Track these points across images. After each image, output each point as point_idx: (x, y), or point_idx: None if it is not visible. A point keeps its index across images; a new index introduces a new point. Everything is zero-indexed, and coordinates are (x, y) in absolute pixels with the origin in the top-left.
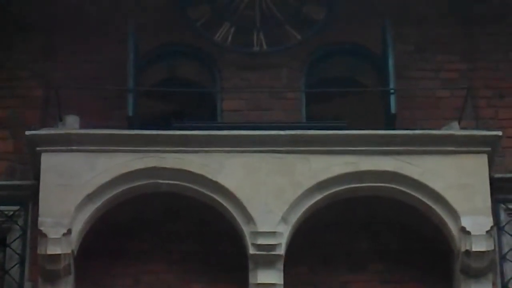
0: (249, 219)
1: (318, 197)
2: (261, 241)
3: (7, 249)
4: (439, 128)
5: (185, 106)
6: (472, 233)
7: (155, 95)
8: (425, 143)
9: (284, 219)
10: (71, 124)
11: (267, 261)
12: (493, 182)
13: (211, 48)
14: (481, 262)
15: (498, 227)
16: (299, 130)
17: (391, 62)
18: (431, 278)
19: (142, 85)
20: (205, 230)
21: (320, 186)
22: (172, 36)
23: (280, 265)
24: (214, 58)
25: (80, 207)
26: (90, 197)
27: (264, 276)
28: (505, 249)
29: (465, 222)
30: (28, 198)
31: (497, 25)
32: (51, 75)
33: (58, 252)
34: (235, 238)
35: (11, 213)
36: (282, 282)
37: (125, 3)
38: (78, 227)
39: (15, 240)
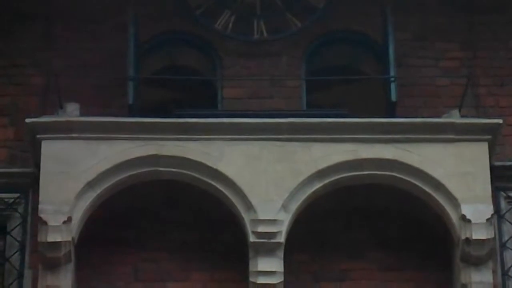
0: (249, 206)
1: (318, 185)
2: (261, 228)
3: (8, 236)
4: (439, 116)
5: (186, 94)
6: (472, 221)
7: (156, 83)
8: (425, 131)
9: (284, 207)
10: (72, 112)
11: (268, 249)
12: (493, 170)
13: (211, 36)
14: (481, 250)
15: (498, 215)
16: (299, 118)
17: (391, 50)
18: (431, 266)
19: (143, 73)
20: (205, 218)
21: (320, 174)
22: (173, 24)
23: (280, 253)
24: (214, 46)
25: (81, 194)
26: (90, 185)
27: (264, 263)
28: (505, 237)
29: (465, 210)
30: (28, 185)
31: (497, 14)
32: (51, 63)
33: (59, 239)
34: (235, 226)
35: (12, 200)
36: (282, 269)
37: None
38: (78, 214)
39: (15, 227)
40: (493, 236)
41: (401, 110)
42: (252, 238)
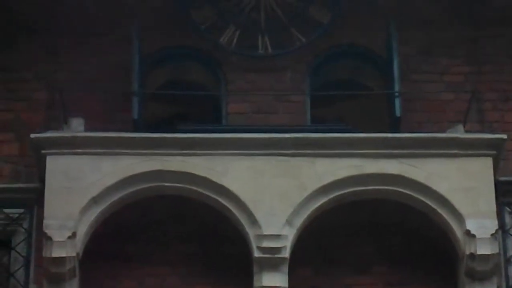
0: (254, 222)
1: (323, 200)
2: (266, 244)
3: (12, 252)
4: (444, 131)
5: (190, 109)
6: (477, 236)
7: (160, 98)
8: (430, 146)
9: (289, 222)
10: (76, 127)
11: (272, 264)
12: (498, 185)
13: (216, 51)
14: (486, 265)
15: (503, 230)
16: (304, 133)
17: (396, 65)
18: (435, 281)
19: (147, 88)
20: (209, 233)
21: (325, 189)
22: (177, 38)
23: (285, 268)
24: (219, 61)
25: (85, 209)
26: (95, 200)
27: (269, 279)
28: (510, 252)
29: (470, 225)
30: (33, 201)
31: (502, 28)
32: (55, 77)
33: (63, 255)
34: (240, 241)
35: (16, 216)
36: (287, 285)
37: (130, 5)
38: (83, 229)
39: (20, 243)
40: (497, 251)
41: (406, 125)
42: (256, 253)
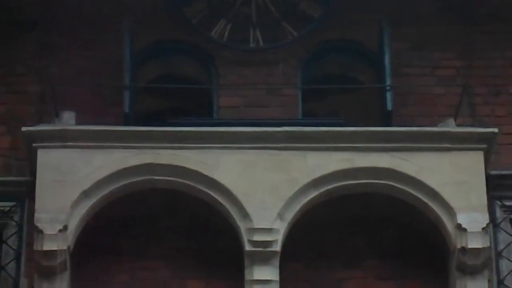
0: (245, 215)
1: (314, 193)
2: (257, 237)
3: (3, 245)
4: (435, 125)
5: (182, 102)
6: (468, 230)
7: (152, 92)
8: (421, 140)
9: (280, 216)
10: (67, 120)
11: (263, 258)
12: (489, 179)
13: (207, 45)
14: (477, 259)
15: (494, 224)
16: (295, 127)
17: (387, 59)
18: (426, 275)
19: (138, 82)
20: (201, 226)
21: (316, 182)
22: (169, 32)
23: (276, 262)
24: (210, 55)
25: (76, 203)
26: (86, 193)
27: (260, 272)
28: (501, 246)
29: (461, 219)
30: (24, 194)
31: (493, 23)
32: (47, 71)
33: (54, 248)
34: (231, 234)
35: (7, 209)
36: (278, 278)
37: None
38: (74, 223)
39: (11, 236)
40: (488, 245)
41: (397, 119)
42: (248, 247)
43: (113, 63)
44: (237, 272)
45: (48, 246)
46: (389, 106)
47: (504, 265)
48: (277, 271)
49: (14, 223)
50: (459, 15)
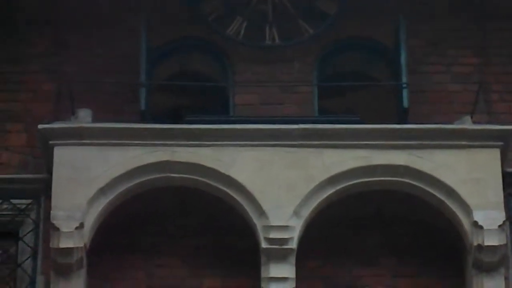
0: (261, 213)
1: (330, 191)
2: (273, 235)
3: (20, 242)
4: (451, 123)
5: (198, 100)
6: (485, 227)
7: (168, 89)
8: (437, 138)
9: (296, 213)
10: (84, 118)
11: (279, 255)
12: (505, 176)
13: (223, 42)
14: (493, 256)
15: (510, 222)
16: (311, 124)
17: (403, 57)
18: (443, 273)
19: (155, 79)
20: (217, 224)
21: (333, 180)
22: (185, 30)
23: (292, 259)
24: (226, 52)
25: (93, 200)
26: (102, 191)
27: (276, 270)
28: None
29: (478, 216)
30: (41, 191)
31: (509, 20)
32: (63, 69)
33: (71, 245)
34: (247, 232)
35: (24, 206)
36: (294, 276)
37: None
38: (90, 220)
39: (27, 233)
40: (505, 242)
41: (413, 117)
42: (264, 244)
43: (129, 60)
44: (253, 269)
45: (64, 243)
46: (406, 103)
47: None
48: (293, 268)
49: (31, 220)
50: (475, 12)
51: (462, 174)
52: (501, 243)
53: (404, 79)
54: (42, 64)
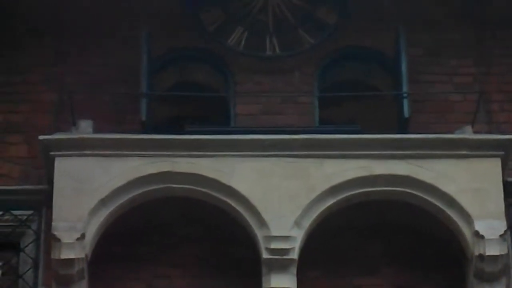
0: (262, 223)
1: (331, 201)
2: (274, 245)
3: (21, 253)
4: (452, 132)
5: (198, 110)
6: (486, 237)
7: (168, 100)
8: (438, 147)
9: (297, 223)
10: (85, 129)
11: (281, 266)
12: (506, 186)
13: (224, 53)
14: (495, 266)
15: (511, 231)
16: (312, 134)
17: (404, 66)
18: (444, 283)
19: (155, 90)
20: (218, 234)
21: (334, 190)
22: (185, 40)
23: (294, 269)
24: (227, 63)
25: (94, 211)
26: (103, 202)
27: (277, 280)
28: None
29: (479, 226)
30: (42, 202)
31: (510, 29)
32: (64, 79)
33: (72, 256)
34: (248, 242)
35: (25, 217)
36: (295, 286)
37: (138, 7)
38: (91, 231)
39: (28, 244)
40: (506, 252)
41: (414, 126)
42: (265, 255)
43: (130, 70)
44: (254, 280)
45: (65, 254)
46: (406, 113)
47: None
48: (295, 278)
49: (32, 231)
50: (475, 22)
51: (463, 183)
52: (503, 253)
53: (404, 89)
54: (43, 75)
